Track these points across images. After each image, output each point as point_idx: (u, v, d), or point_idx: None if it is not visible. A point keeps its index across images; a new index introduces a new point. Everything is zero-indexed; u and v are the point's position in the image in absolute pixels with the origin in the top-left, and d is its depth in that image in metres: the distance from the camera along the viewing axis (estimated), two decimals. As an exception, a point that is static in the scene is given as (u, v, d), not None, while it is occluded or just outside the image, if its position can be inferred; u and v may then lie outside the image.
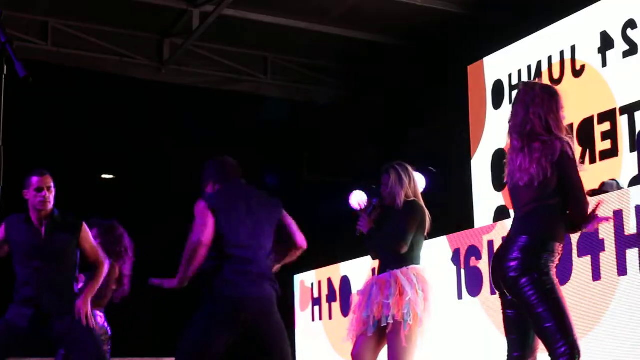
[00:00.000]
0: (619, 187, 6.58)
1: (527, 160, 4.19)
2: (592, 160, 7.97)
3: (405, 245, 5.62)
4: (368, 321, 5.62)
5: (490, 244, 6.46)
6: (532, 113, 4.26)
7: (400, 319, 5.46)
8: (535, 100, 4.29)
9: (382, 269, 5.74)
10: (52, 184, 5.87)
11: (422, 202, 5.81)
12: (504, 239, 5.98)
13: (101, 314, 6.60)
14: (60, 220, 5.92)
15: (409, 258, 5.67)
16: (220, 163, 5.53)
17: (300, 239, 5.28)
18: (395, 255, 5.65)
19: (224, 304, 4.88)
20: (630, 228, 5.28)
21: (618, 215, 5.33)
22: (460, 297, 6.86)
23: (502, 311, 4.32)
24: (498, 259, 4.26)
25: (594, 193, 6.53)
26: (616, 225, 5.33)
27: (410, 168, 5.88)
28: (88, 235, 6.05)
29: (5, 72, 3.49)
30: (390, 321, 5.47)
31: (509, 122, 4.38)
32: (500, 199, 9.08)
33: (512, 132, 4.34)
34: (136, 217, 7.86)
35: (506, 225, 5.52)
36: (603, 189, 6.53)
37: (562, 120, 4.28)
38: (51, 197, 5.86)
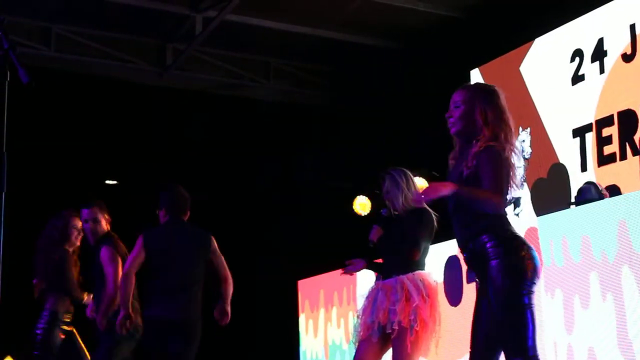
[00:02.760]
0: (598, 191, 6.55)
1: None
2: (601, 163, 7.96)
3: (419, 253, 5.62)
4: (373, 326, 5.61)
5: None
6: None
7: (407, 325, 5.44)
8: None
9: (387, 274, 5.72)
10: None
11: (428, 208, 5.79)
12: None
13: None
14: None
15: (415, 264, 5.66)
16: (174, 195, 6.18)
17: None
18: (401, 261, 5.64)
19: None
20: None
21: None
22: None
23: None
24: None
25: (575, 203, 6.54)
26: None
27: (408, 172, 5.89)
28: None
29: (8, 78, 3.50)
30: (396, 327, 5.45)
31: None
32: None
33: None
34: (139, 222, 7.85)
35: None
36: (583, 196, 6.51)
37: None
38: None
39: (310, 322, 9.05)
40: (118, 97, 11.33)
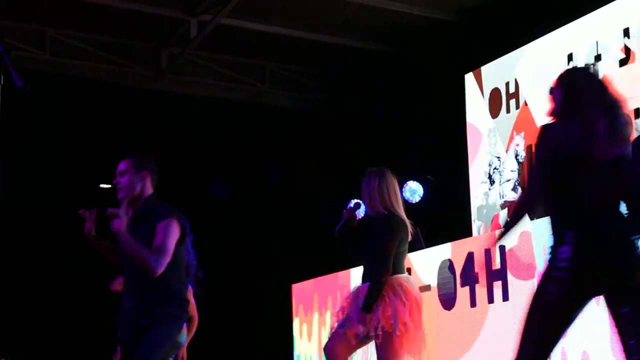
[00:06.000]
0: None
1: None
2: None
3: (389, 263, 5.60)
4: (358, 333, 5.59)
5: (487, 252, 6.46)
6: None
7: (390, 329, 5.46)
8: None
9: (366, 278, 5.75)
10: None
11: (399, 211, 5.75)
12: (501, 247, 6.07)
13: None
14: None
15: (399, 268, 5.68)
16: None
17: None
18: (377, 267, 5.62)
19: None
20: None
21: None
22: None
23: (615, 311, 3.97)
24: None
25: None
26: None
27: (385, 174, 5.81)
28: None
29: (2, 82, 3.50)
30: (380, 332, 5.46)
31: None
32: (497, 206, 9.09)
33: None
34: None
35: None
36: None
37: None
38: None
39: (305, 326, 9.04)
40: (113, 101, 11.32)
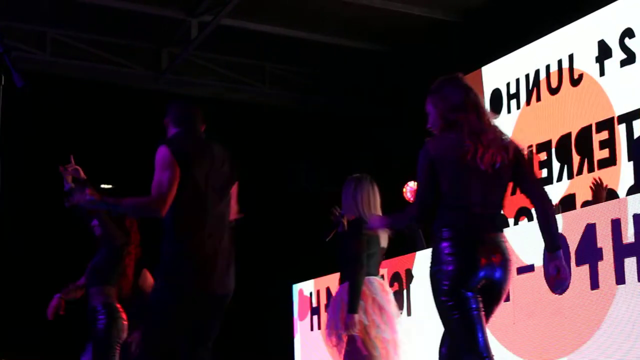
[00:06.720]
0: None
1: None
2: (590, 169, 7.97)
3: (361, 262, 5.72)
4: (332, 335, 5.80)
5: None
6: None
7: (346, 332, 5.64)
8: None
9: (342, 280, 5.97)
10: None
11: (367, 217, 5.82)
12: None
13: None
14: None
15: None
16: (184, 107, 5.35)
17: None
18: (349, 270, 5.77)
19: None
20: (628, 237, 5.28)
21: (616, 224, 5.34)
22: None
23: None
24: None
25: (586, 203, 6.55)
26: (614, 234, 5.34)
27: (363, 180, 5.96)
28: None
29: (3, 82, 3.50)
30: (344, 335, 5.65)
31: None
32: (498, 207, 9.08)
33: None
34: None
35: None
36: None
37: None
38: None
39: (306, 326, 9.03)
40: (113, 101, 11.32)
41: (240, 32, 10.44)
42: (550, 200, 4.27)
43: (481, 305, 4.09)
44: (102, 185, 13.19)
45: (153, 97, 11.28)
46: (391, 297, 5.86)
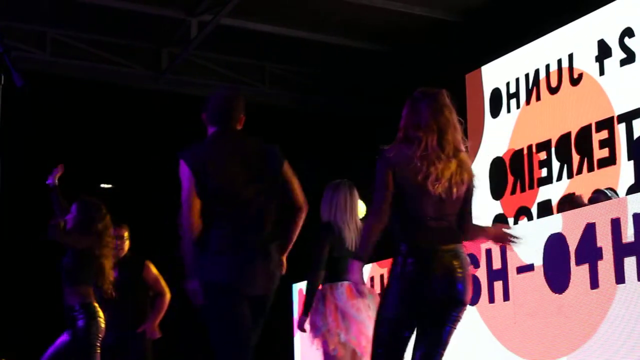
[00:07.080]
0: (607, 197, 6.56)
1: None
2: (590, 169, 7.97)
3: (317, 266, 5.88)
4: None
5: (488, 252, 6.45)
6: None
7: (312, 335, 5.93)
8: None
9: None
10: None
11: (339, 222, 5.92)
12: (501, 247, 6.04)
13: None
14: None
15: (330, 275, 5.89)
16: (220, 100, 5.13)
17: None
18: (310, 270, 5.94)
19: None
20: (627, 236, 5.28)
21: (616, 223, 5.34)
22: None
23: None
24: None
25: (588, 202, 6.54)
26: (614, 233, 5.34)
27: (340, 186, 6.07)
28: None
29: (3, 82, 3.50)
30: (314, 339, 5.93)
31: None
32: (498, 207, 9.08)
33: None
34: (135, 226, 7.84)
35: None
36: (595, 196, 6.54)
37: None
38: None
39: (306, 325, 9.03)
40: (113, 101, 11.32)
41: (240, 31, 10.43)
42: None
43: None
44: (102, 185, 13.21)
45: (153, 97, 11.30)
46: (367, 301, 5.82)
